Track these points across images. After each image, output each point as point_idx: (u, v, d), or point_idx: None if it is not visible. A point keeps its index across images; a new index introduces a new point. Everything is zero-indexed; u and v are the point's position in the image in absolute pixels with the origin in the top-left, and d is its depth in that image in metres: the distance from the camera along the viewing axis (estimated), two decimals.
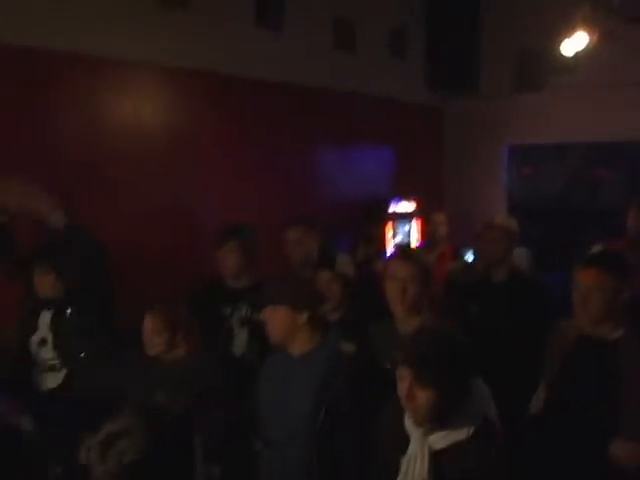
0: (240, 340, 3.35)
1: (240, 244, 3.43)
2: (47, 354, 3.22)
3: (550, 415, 2.57)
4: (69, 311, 3.20)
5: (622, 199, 5.31)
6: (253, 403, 2.66)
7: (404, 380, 1.95)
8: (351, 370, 2.46)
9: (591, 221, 5.53)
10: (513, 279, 3.63)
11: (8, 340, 3.30)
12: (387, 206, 5.46)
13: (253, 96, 4.65)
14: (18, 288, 3.28)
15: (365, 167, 5.56)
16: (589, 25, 4.65)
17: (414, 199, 5.51)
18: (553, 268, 4.42)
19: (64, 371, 3.20)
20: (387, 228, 5.40)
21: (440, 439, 1.97)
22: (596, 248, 3.67)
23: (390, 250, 5.24)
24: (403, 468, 2.00)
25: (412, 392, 1.92)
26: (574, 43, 4.76)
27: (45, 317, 3.24)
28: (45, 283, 3.20)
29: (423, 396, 1.91)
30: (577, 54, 4.83)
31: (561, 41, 4.80)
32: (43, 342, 3.22)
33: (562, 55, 4.85)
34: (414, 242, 5.61)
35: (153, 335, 2.79)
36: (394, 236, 5.42)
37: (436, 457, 1.96)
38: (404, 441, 2.03)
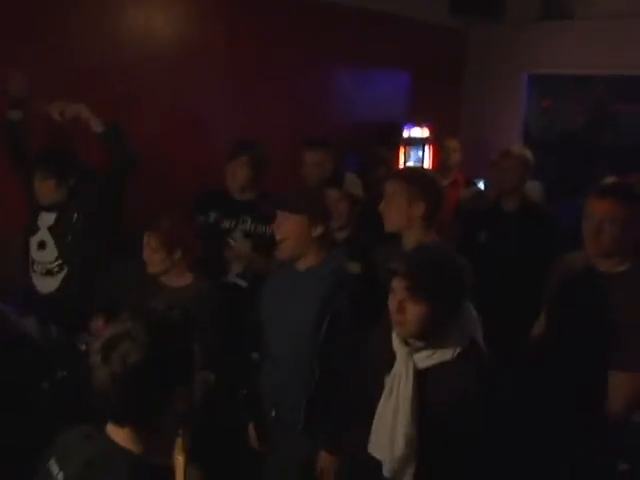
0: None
1: (251, 159, 3.46)
2: (44, 257, 3.22)
3: (549, 343, 2.58)
4: (75, 216, 3.18)
5: None
6: (254, 316, 2.67)
7: (397, 292, 1.94)
8: (355, 289, 2.45)
9: (609, 156, 5.39)
10: (525, 209, 3.60)
11: (19, 245, 3.32)
12: (400, 130, 5.34)
13: (266, 11, 4.49)
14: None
15: (380, 89, 5.40)
16: None
17: (428, 125, 5.38)
18: (564, 198, 4.35)
19: (61, 275, 3.21)
20: (399, 153, 5.30)
21: (425, 358, 1.97)
22: (610, 179, 3.61)
23: None
24: (388, 386, 2.00)
25: (403, 305, 1.91)
26: None
27: (45, 219, 3.22)
28: (45, 188, 3.16)
29: (413, 310, 1.90)
30: None
31: None
32: (42, 245, 3.22)
33: None
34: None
35: (151, 253, 2.78)
36: (406, 162, 5.33)
37: (421, 376, 1.96)
38: (391, 359, 2.02)
